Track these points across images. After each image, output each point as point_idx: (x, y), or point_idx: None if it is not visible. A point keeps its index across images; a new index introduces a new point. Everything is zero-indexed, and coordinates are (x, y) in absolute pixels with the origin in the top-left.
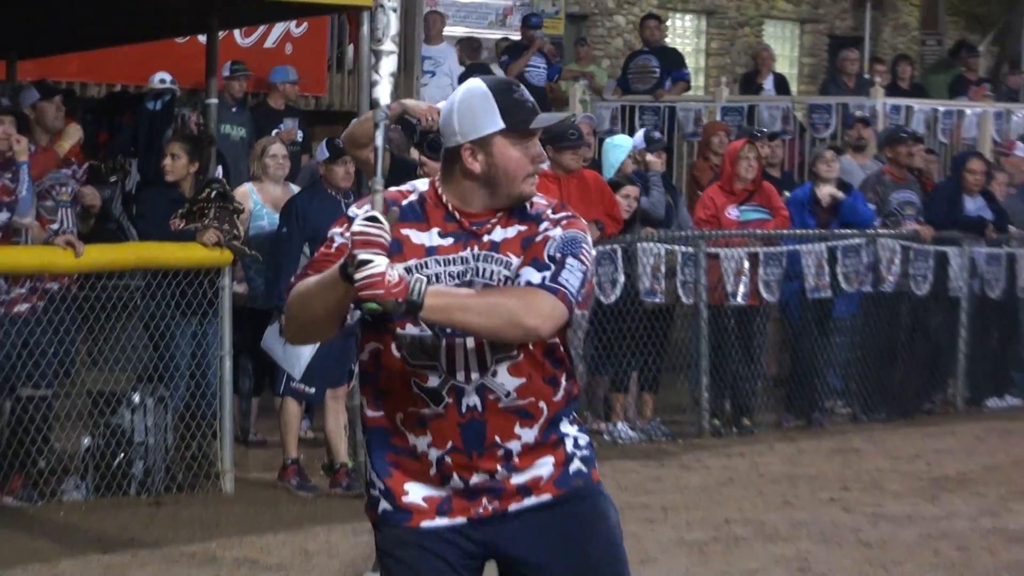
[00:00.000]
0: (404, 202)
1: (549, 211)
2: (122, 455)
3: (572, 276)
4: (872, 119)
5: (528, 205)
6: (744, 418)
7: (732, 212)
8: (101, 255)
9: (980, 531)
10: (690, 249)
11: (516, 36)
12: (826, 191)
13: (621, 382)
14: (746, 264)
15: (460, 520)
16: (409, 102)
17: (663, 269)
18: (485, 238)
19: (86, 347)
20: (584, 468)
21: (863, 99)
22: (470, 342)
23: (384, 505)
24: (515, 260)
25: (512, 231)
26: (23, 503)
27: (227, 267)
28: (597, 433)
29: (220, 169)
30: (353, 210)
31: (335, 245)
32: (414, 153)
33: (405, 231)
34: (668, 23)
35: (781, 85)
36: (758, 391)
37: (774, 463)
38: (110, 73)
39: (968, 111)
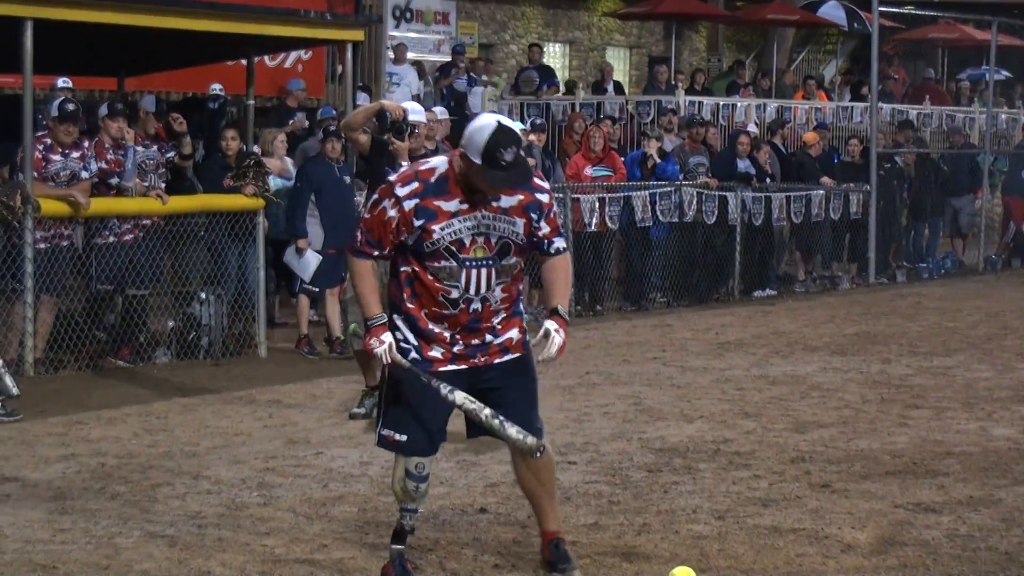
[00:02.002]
0: (432, 179)
1: (535, 179)
2: (194, 332)
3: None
4: (676, 110)
5: None
6: (597, 305)
7: (588, 170)
8: (179, 203)
9: (751, 377)
10: (560, 195)
11: (448, 59)
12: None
13: None
14: (596, 204)
15: (463, 367)
16: (386, 102)
17: None
18: (494, 203)
19: (170, 262)
20: (528, 338)
21: (671, 97)
22: (483, 273)
23: (414, 355)
24: (519, 220)
25: (515, 200)
26: (130, 364)
27: (260, 210)
28: None
29: (258, 147)
30: (393, 181)
31: (386, 216)
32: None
33: (437, 202)
34: (545, 49)
35: (618, 89)
36: (606, 287)
37: (617, 334)
38: (183, 84)
39: (738, 104)
